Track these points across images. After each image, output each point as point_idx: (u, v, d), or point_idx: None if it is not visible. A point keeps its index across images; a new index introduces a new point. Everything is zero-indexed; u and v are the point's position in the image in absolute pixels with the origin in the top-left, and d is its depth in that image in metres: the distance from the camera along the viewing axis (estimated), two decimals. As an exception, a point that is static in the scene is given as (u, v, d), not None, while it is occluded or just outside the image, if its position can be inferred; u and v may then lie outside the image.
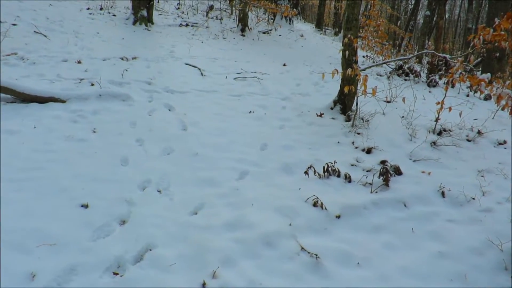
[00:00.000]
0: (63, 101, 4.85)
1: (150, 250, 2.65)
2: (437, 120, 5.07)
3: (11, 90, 4.65)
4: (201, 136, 4.48)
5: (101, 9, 11.07)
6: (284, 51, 10.76)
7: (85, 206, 2.99)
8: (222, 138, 4.48)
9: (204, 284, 2.38)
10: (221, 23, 12.72)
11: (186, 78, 6.58)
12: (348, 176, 3.81)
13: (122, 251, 2.58)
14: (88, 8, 10.81)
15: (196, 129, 4.66)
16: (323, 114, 5.44)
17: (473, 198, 3.54)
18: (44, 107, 4.65)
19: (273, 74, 7.60)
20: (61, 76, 5.75)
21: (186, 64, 7.41)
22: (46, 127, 4.19)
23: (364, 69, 5.28)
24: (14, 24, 7.93)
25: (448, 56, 6.02)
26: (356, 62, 5.23)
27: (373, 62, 10.74)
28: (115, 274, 2.41)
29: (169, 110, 5.17)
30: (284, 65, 8.80)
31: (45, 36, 7.72)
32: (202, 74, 6.97)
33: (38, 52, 6.69)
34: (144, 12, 10.31)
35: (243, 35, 11.69)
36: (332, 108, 5.58)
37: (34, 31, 7.82)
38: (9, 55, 6.35)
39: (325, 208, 3.24)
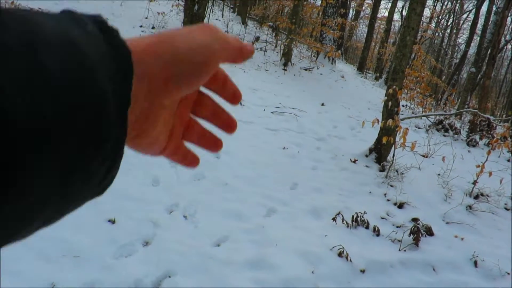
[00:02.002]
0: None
1: (169, 277, 2.62)
2: (475, 183, 4.90)
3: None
4: (233, 166, 4.49)
5: (153, 28, 11.53)
6: (323, 90, 10.81)
7: (112, 221, 3.02)
8: (253, 171, 4.47)
9: (218, 323, 2.33)
10: (264, 55, 12.97)
11: (224, 106, 6.62)
12: (377, 229, 3.70)
13: (142, 274, 2.56)
14: (141, 26, 11.29)
15: (229, 158, 4.68)
16: (357, 160, 5.37)
17: (508, 273, 3.35)
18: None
19: (310, 113, 7.62)
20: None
21: (227, 91, 7.54)
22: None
23: (403, 119, 5.22)
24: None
25: (491, 118, 5.88)
26: (397, 113, 5.18)
27: (413, 112, 10.61)
28: (132, 297, 2.40)
29: (205, 135, 5.23)
30: (323, 104, 8.82)
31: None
32: (241, 104, 7.06)
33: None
34: (193, 36, 10.65)
35: (285, 69, 11.85)
36: (367, 156, 5.50)
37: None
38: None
39: (350, 260, 3.14)
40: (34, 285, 2.29)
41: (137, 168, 3.93)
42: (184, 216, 3.37)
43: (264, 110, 7.06)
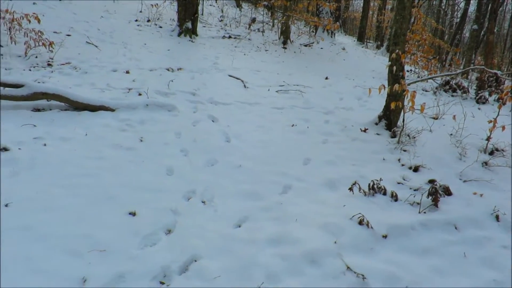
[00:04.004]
0: (112, 110, 5.02)
1: (195, 261, 2.66)
2: (488, 139, 4.85)
3: (65, 98, 4.88)
4: (244, 148, 4.50)
5: (148, 21, 11.45)
6: (326, 64, 10.71)
7: (133, 214, 3.06)
8: (264, 151, 4.48)
9: (248, 299, 2.37)
10: (263, 35, 12.84)
11: (229, 89, 6.66)
12: (394, 194, 3.70)
13: (168, 260, 2.61)
14: (136, 20, 11.22)
15: (239, 141, 4.69)
16: (367, 129, 5.34)
17: (530, 224, 3.34)
18: (95, 115, 4.83)
19: (315, 88, 7.56)
20: (110, 86, 5.97)
21: (230, 76, 7.52)
22: (96, 134, 4.35)
23: (409, 84, 5.14)
24: (68, 35, 8.34)
25: (499, 72, 5.77)
26: (403, 77, 5.11)
27: (418, 77, 10.47)
28: (162, 283, 2.44)
29: (213, 121, 5.24)
30: (327, 78, 8.75)
31: (96, 46, 8.07)
32: (245, 86, 7.04)
33: (89, 62, 6.99)
34: (189, 24, 10.58)
35: (285, 48, 11.73)
36: (376, 124, 5.47)
37: (86, 42, 8.19)
38: (63, 64, 6.67)
39: (371, 227, 3.15)
40: (66, 282, 2.34)
41: (149, 160, 3.96)
42: (202, 202, 3.39)
43: (269, 90, 7.02)
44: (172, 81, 6.61)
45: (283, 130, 5.19)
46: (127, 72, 6.79)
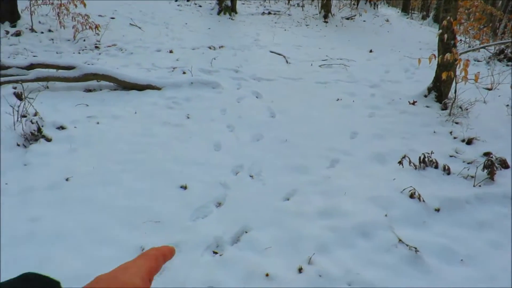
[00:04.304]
0: (159, 89, 5.14)
1: (246, 232, 2.72)
2: (549, 109, 4.56)
3: (114, 78, 5.03)
4: (289, 123, 4.48)
5: (187, 0, 11.50)
6: (369, 37, 10.37)
7: (184, 187, 3.15)
8: (310, 126, 4.44)
9: (300, 269, 2.39)
10: (302, 10, 12.59)
11: (271, 65, 6.62)
12: (447, 167, 3.57)
13: (220, 232, 2.67)
14: (176, 0, 11.30)
15: (284, 116, 4.67)
16: (416, 102, 5.16)
17: None
18: (143, 94, 4.96)
19: (359, 61, 7.36)
20: (155, 65, 6.09)
21: (271, 52, 7.45)
22: (145, 112, 4.48)
23: (461, 54, 4.88)
24: (112, 18, 8.55)
25: (561, 38, 5.35)
26: (455, 46, 4.86)
27: (469, 46, 9.93)
28: (215, 253, 2.51)
29: (257, 97, 5.24)
30: (371, 51, 8.48)
31: (139, 28, 8.22)
32: (287, 61, 6.96)
33: (134, 43, 7.15)
34: (228, 2, 10.53)
35: (326, 22, 11.45)
36: (426, 96, 5.26)
37: (130, 24, 8.36)
38: (110, 46, 6.86)
39: (423, 200, 3.07)
40: (126, 250, 2.46)
41: (196, 135, 4.04)
42: (250, 176, 3.43)
43: (312, 65, 6.91)
44: (214, 59, 6.64)
45: (328, 104, 5.11)
46: (171, 51, 6.89)
